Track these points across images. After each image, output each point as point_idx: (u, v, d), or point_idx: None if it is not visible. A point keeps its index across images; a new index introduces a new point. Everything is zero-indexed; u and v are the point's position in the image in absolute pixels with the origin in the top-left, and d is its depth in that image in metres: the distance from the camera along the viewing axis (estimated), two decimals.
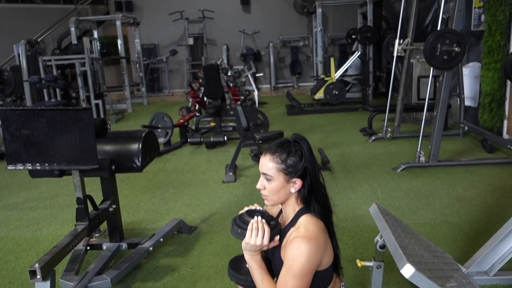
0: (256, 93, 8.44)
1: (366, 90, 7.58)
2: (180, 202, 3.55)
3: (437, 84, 4.74)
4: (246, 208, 1.45)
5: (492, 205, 3.15)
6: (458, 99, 5.11)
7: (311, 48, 10.96)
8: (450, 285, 1.73)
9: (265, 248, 1.35)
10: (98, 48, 8.28)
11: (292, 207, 1.42)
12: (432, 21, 6.67)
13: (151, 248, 2.52)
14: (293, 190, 1.39)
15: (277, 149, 1.38)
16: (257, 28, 11.41)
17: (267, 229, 1.33)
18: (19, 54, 7.31)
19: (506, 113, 4.71)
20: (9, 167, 1.92)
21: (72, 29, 8.82)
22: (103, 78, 8.39)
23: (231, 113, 6.13)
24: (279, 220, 1.46)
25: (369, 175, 3.91)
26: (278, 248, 1.39)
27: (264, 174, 1.38)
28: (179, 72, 11.93)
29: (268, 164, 1.37)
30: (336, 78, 7.53)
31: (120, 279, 2.30)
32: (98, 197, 2.45)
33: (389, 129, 5.13)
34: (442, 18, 4.24)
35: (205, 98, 6.46)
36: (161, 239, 2.62)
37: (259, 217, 1.35)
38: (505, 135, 4.74)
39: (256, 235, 1.31)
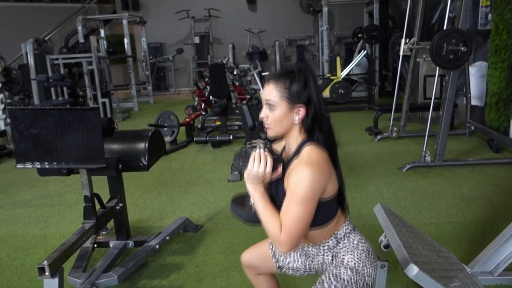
0: (262, 92, 8.43)
1: (372, 89, 7.56)
2: (185, 200, 3.57)
3: (443, 84, 4.73)
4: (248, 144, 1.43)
5: (498, 205, 3.14)
6: (465, 98, 5.09)
7: (317, 46, 10.94)
8: (454, 285, 1.74)
9: (268, 178, 1.34)
10: (105, 46, 8.34)
11: (295, 138, 1.39)
12: (439, 20, 6.64)
13: (157, 246, 2.55)
14: (296, 119, 1.36)
15: (280, 76, 1.36)
16: (263, 26, 11.41)
17: (269, 158, 1.32)
18: (26, 53, 7.38)
19: None
20: (18, 166, 1.94)
21: (79, 28, 8.88)
22: (109, 77, 8.45)
23: (237, 112, 6.15)
24: (283, 155, 1.45)
25: (375, 175, 3.92)
26: (281, 181, 1.38)
27: (267, 101, 1.36)
28: (185, 70, 11.97)
29: (271, 91, 1.35)
30: (342, 77, 7.52)
31: (126, 277, 2.33)
32: (104, 195, 2.48)
33: (395, 129, 5.13)
34: (449, 16, 4.22)
35: (210, 97, 6.50)
36: (167, 237, 2.65)
37: (262, 148, 1.34)
38: (511, 135, 4.71)
39: (258, 164, 1.31)
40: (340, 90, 7.28)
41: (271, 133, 1.39)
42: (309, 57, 11.59)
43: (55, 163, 1.95)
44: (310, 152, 1.32)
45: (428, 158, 4.03)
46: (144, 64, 9.90)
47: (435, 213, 3.05)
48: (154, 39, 11.39)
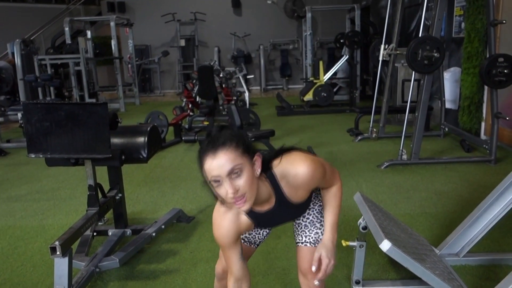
0: (246, 94, 8.65)
1: (354, 93, 7.86)
2: (177, 195, 3.75)
3: (420, 87, 5.02)
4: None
5: (466, 198, 3.42)
6: (440, 102, 5.40)
7: (301, 51, 11.23)
8: (425, 260, 1.97)
9: None
10: (92, 48, 8.44)
11: (265, 189, 1.31)
12: (416, 27, 6.96)
13: (154, 234, 2.73)
14: (258, 170, 1.26)
15: (223, 143, 1.18)
16: (248, 31, 11.65)
17: None
18: (13, 53, 7.42)
19: (484, 115, 5.01)
20: (31, 155, 2.11)
21: (67, 29, 8.94)
22: (96, 78, 8.56)
23: (224, 113, 6.35)
24: (260, 211, 1.39)
25: (355, 172, 4.17)
26: (302, 209, 1.54)
27: (231, 171, 1.17)
28: (171, 73, 12.11)
29: (227, 158, 1.17)
30: (324, 80, 7.81)
31: (126, 261, 2.50)
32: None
33: (374, 130, 5.40)
34: (425, 24, 4.51)
35: (197, 98, 6.68)
36: (163, 226, 2.83)
37: None
38: (482, 136, 5.03)
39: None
40: (322, 93, 7.56)
41: (248, 203, 1.23)
42: (293, 61, 11.88)
43: (64, 153, 2.12)
44: (283, 165, 1.34)
45: (404, 157, 4.30)
46: (129, 66, 10.01)
47: (410, 205, 3.31)
48: (140, 41, 11.49)
